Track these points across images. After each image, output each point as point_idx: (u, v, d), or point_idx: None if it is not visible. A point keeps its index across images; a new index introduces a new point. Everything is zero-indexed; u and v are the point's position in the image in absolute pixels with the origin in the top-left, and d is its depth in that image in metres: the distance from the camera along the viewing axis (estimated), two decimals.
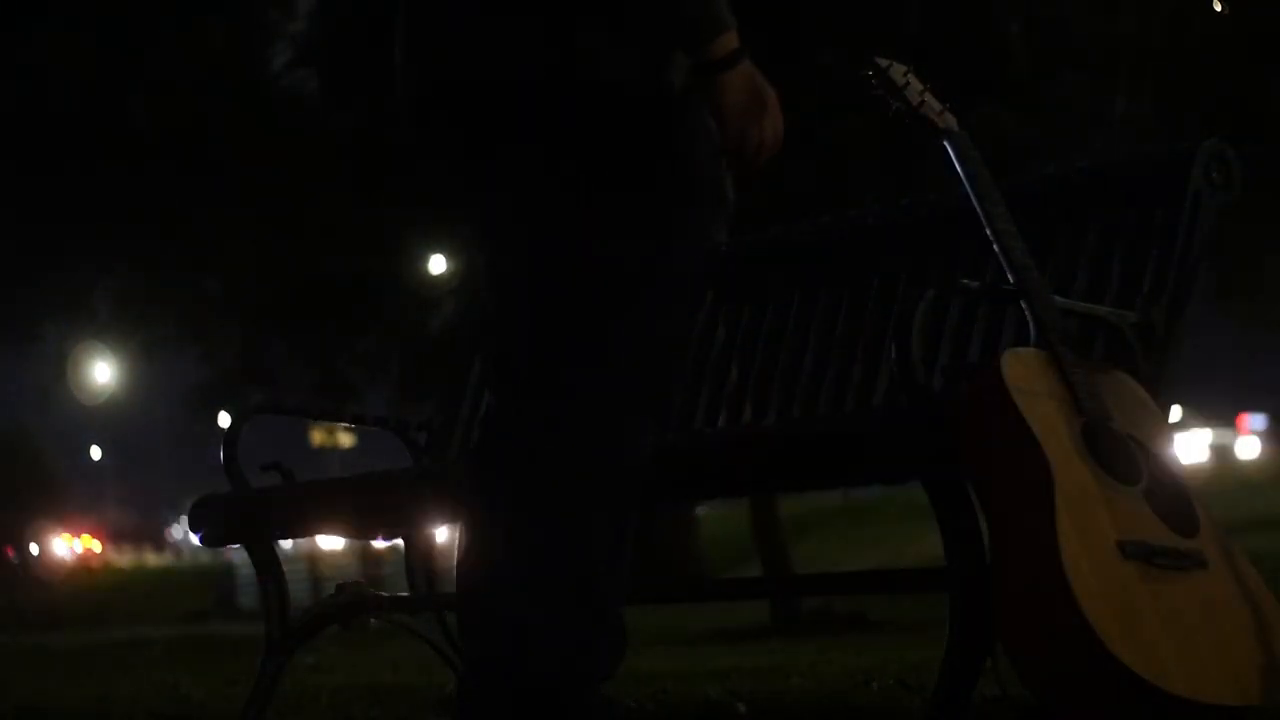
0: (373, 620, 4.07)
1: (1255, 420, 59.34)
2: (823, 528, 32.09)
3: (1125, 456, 2.55)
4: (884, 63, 2.93)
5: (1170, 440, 2.68)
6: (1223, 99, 12.22)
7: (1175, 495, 2.57)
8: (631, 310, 2.50)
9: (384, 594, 4.13)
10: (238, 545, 4.12)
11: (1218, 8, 11.16)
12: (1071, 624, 2.32)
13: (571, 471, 2.50)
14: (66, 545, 44.19)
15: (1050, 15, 11.68)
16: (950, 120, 2.95)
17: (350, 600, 3.96)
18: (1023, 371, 2.58)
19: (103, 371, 27.55)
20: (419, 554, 4.10)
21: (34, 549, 40.47)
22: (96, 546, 48.92)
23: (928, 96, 2.95)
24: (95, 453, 64.40)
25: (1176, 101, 11.80)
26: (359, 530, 4.07)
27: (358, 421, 4.65)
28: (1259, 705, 2.39)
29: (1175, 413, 3.10)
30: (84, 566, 42.83)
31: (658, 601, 4.30)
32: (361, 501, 3.66)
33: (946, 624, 2.68)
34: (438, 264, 17.38)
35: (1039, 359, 2.64)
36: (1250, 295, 14.50)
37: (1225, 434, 55.14)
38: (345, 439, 46.17)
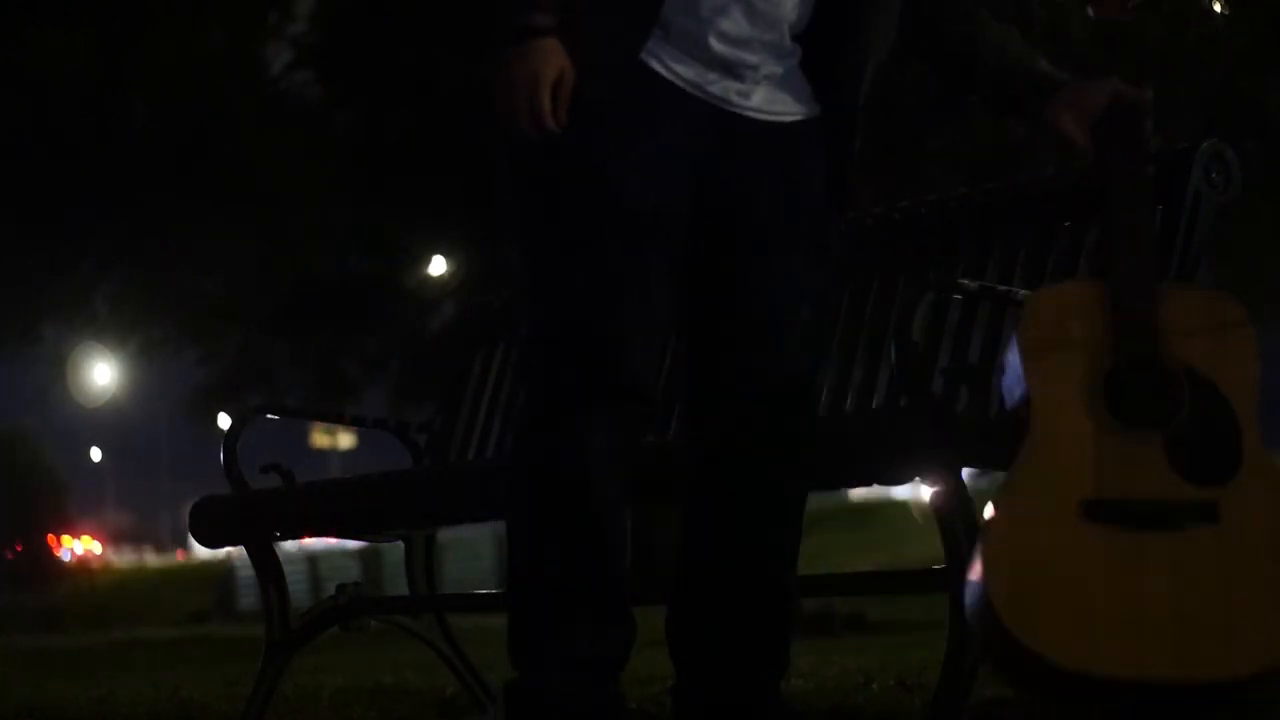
0: (373, 621, 4.07)
1: None
2: (822, 528, 32.11)
3: (1158, 398, 2.44)
4: None
5: (1251, 361, 2.52)
6: (1222, 99, 12.21)
7: (1217, 433, 2.44)
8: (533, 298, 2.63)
9: (384, 595, 4.13)
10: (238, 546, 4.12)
11: (1217, 8, 11.15)
12: (977, 590, 2.32)
13: (510, 482, 2.68)
14: (66, 546, 44.18)
15: (1049, 16, 11.67)
16: None
17: (350, 601, 3.96)
18: (1053, 314, 2.51)
19: (102, 373, 27.54)
20: (419, 555, 4.10)
21: (34, 550, 40.46)
22: (96, 548, 48.91)
23: None
24: (95, 454, 64.39)
25: (1176, 102, 11.80)
26: (359, 531, 4.07)
27: (358, 423, 4.66)
28: (1221, 679, 2.29)
29: None
30: (84, 567, 42.79)
31: (658, 602, 4.29)
32: (361, 503, 3.66)
33: (946, 625, 2.68)
34: (438, 265, 17.38)
35: (1087, 293, 2.53)
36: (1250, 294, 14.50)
37: None
38: (345, 440, 46.23)
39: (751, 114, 2.65)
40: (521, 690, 2.61)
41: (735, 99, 2.64)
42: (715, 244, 2.65)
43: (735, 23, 2.61)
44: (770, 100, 2.67)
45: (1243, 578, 2.36)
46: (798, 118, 2.69)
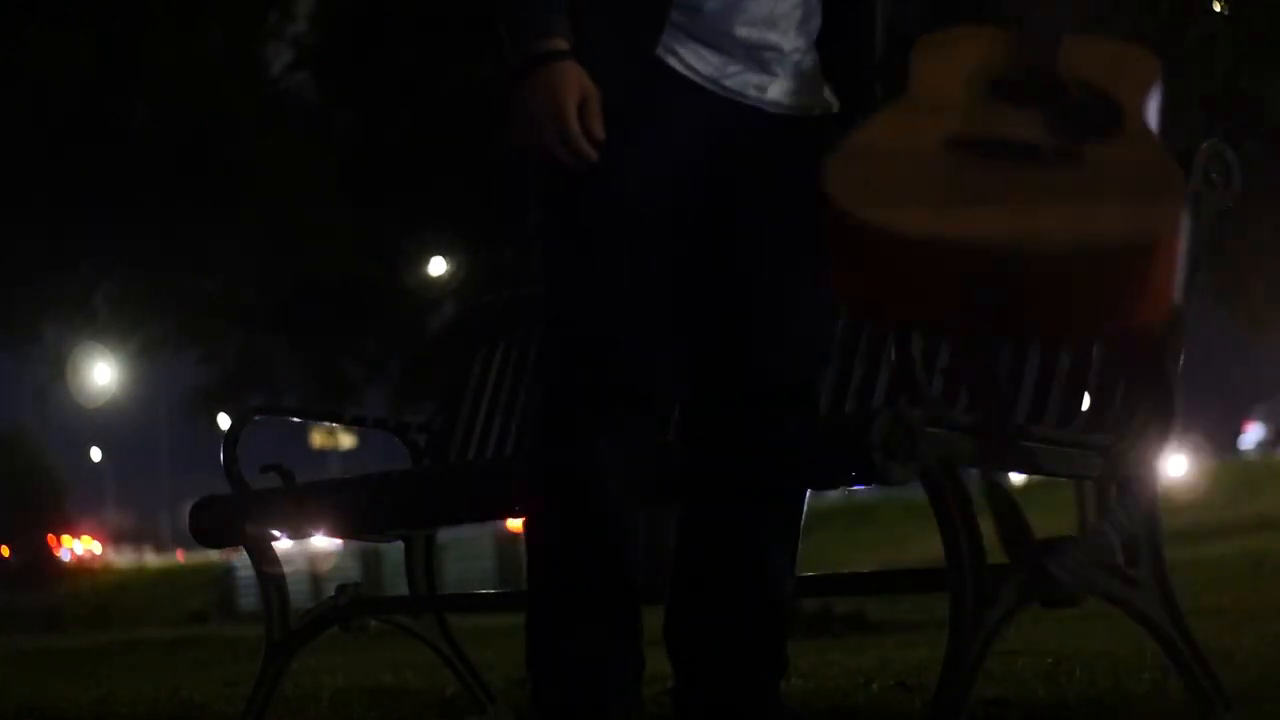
0: (373, 622, 4.07)
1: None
2: (822, 528, 32.10)
3: (1038, 90, 2.40)
4: None
5: (1149, 79, 2.47)
6: (1222, 99, 12.21)
7: (1099, 113, 2.38)
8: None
9: (384, 595, 4.13)
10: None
11: (1217, 8, 11.15)
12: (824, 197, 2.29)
13: (524, 484, 2.70)
14: (66, 546, 44.16)
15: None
16: None
17: (350, 602, 3.97)
18: (953, 41, 2.54)
19: (102, 373, 27.53)
20: (419, 555, 4.10)
21: (33, 550, 40.45)
22: (96, 547, 48.90)
23: None
24: (95, 454, 64.40)
25: (1175, 102, 11.81)
26: (359, 532, 4.07)
27: (358, 423, 4.66)
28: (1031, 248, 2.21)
29: None
30: (84, 567, 42.79)
31: (659, 603, 4.29)
32: (361, 503, 3.67)
33: (946, 625, 2.68)
34: (437, 265, 17.38)
35: (990, 38, 2.52)
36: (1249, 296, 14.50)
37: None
38: (345, 440, 46.18)
39: (769, 108, 2.64)
40: (535, 697, 2.62)
41: (752, 92, 2.62)
42: (720, 243, 2.64)
43: (761, 2, 2.59)
44: (790, 92, 2.64)
45: (1086, 201, 2.28)
46: (815, 112, 2.68)
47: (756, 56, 2.60)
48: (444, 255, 17.16)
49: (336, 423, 4.79)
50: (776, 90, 2.64)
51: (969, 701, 2.66)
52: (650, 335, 2.58)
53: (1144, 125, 2.40)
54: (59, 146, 13.55)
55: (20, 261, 14.65)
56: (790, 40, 2.63)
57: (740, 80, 2.61)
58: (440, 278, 17.40)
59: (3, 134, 13.51)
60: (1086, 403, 3.03)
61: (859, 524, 32.21)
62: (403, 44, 14.21)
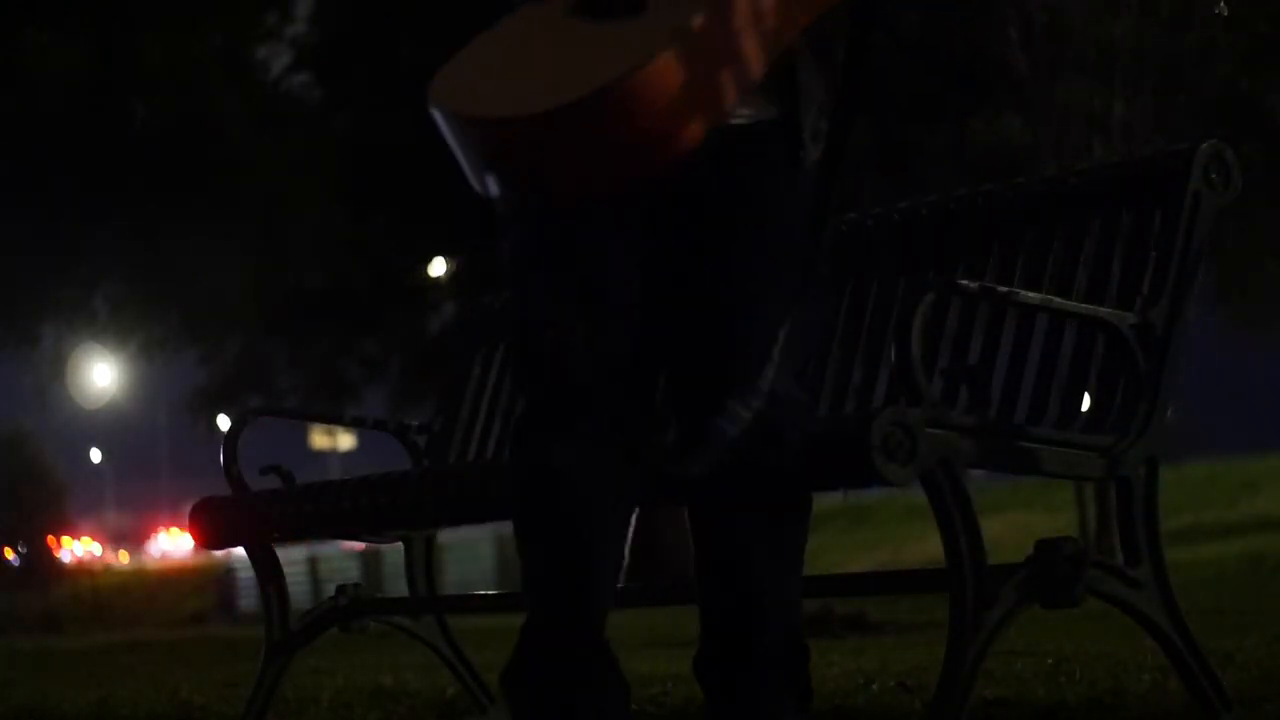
0: (373, 623, 4.07)
1: None
2: (822, 528, 32.05)
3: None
4: None
5: None
6: (1222, 100, 12.22)
7: None
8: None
9: (384, 596, 4.13)
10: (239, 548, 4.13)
11: (1219, 9, 11.17)
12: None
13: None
14: (66, 548, 44.16)
15: (1050, 20, 11.68)
16: None
17: (350, 602, 3.97)
18: None
19: (102, 374, 27.53)
20: (419, 556, 4.10)
21: (33, 551, 40.45)
22: (96, 549, 48.89)
23: None
24: (95, 455, 64.37)
25: (1175, 103, 11.81)
26: (359, 533, 4.07)
27: (357, 424, 4.66)
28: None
29: None
30: (83, 569, 42.79)
31: (658, 603, 4.30)
32: (361, 504, 3.66)
33: (946, 625, 2.68)
34: (437, 266, 17.39)
35: None
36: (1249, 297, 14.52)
37: None
38: (345, 441, 46.19)
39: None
40: (504, 681, 2.68)
41: None
42: (677, 248, 2.63)
43: None
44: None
45: (614, 46, 2.36)
46: (753, 120, 2.64)
47: None
48: (444, 256, 17.17)
49: (336, 424, 4.80)
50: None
51: (969, 702, 2.67)
52: (611, 340, 2.59)
53: (670, 9, 2.39)
54: (58, 149, 13.55)
55: (20, 262, 14.65)
56: None
57: None
58: (440, 279, 17.41)
59: (2, 136, 13.51)
60: (1086, 403, 3.03)
61: (859, 525, 32.21)
62: (402, 44, 14.22)
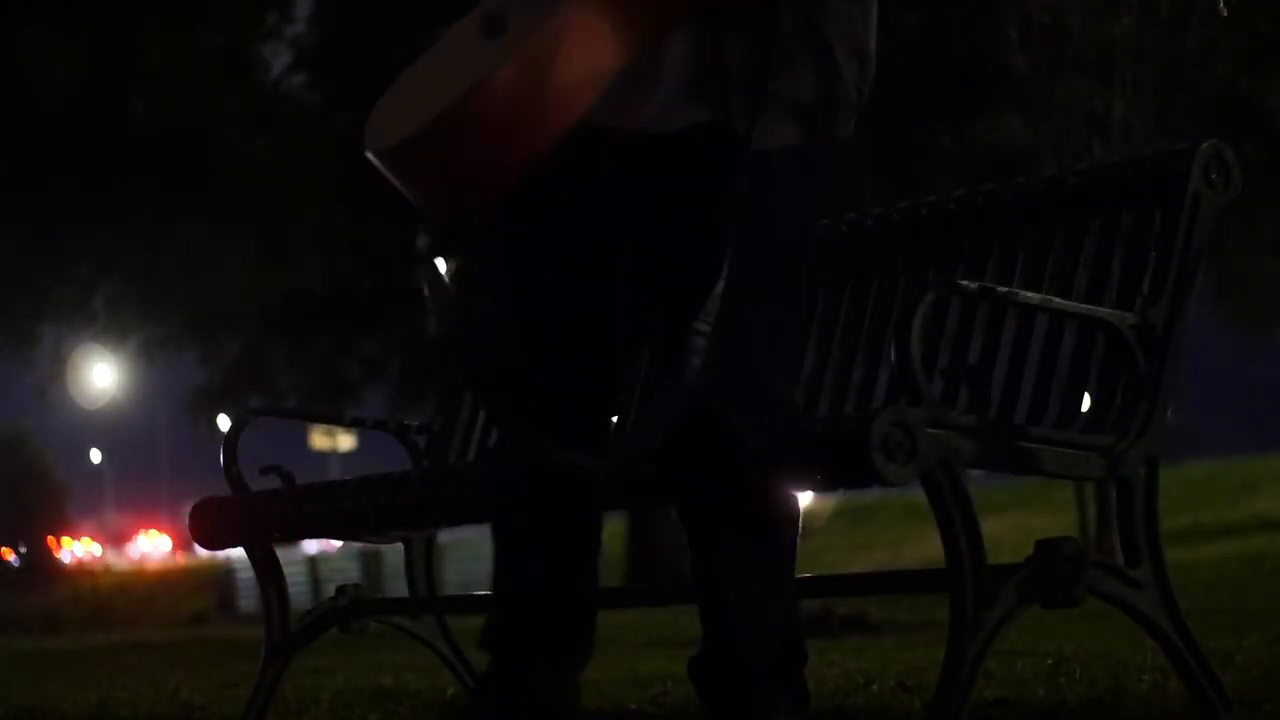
0: (373, 623, 4.07)
1: None
2: (822, 529, 32.09)
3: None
4: None
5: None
6: (1222, 100, 12.22)
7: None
8: None
9: (384, 597, 4.13)
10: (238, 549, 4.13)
11: (1222, 9, 11.16)
12: None
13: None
14: (66, 548, 44.16)
15: (1050, 21, 11.68)
16: None
17: (350, 603, 3.97)
18: None
19: (102, 374, 27.52)
20: (419, 557, 4.10)
21: (33, 552, 40.46)
22: (96, 549, 48.89)
23: None
24: (95, 455, 64.35)
25: (1175, 103, 11.81)
26: (359, 533, 4.07)
27: (357, 424, 4.65)
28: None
29: None
30: (83, 569, 42.80)
31: (658, 603, 4.30)
32: (361, 504, 3.66)
33: (946, 625, 2.68)
34: (438, 267, 17.37)
35: None
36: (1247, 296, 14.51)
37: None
38: (345, 442, 46.20)
39: (637, 129, 2.60)
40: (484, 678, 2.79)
41: (619, 117, 2.58)
42: (608, 266, 2.66)
43: None
44: (659, 116, 2.59)
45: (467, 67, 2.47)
46: (685, 125, 2.60)
47: (628, 78, 2.55)
48: (444, 256, 17.16)
49: (336, 424, 4.80)
50: (648, 112, 2.60)
51: (969, 702, 2.66)
52: (542, 356, 2.66)
53: (526, 34, 2.48)
54: (58, 149, 13.55)
55: (20, 263, 14.65)
56: (662, 62, 2.58)
57: (608, 109, 2.55)
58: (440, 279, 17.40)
59: (2, 135, 13.51)
60: (1086, 403, 3.03)
61: (859, 525, 32.23)
62: (401, 44, 14.21)
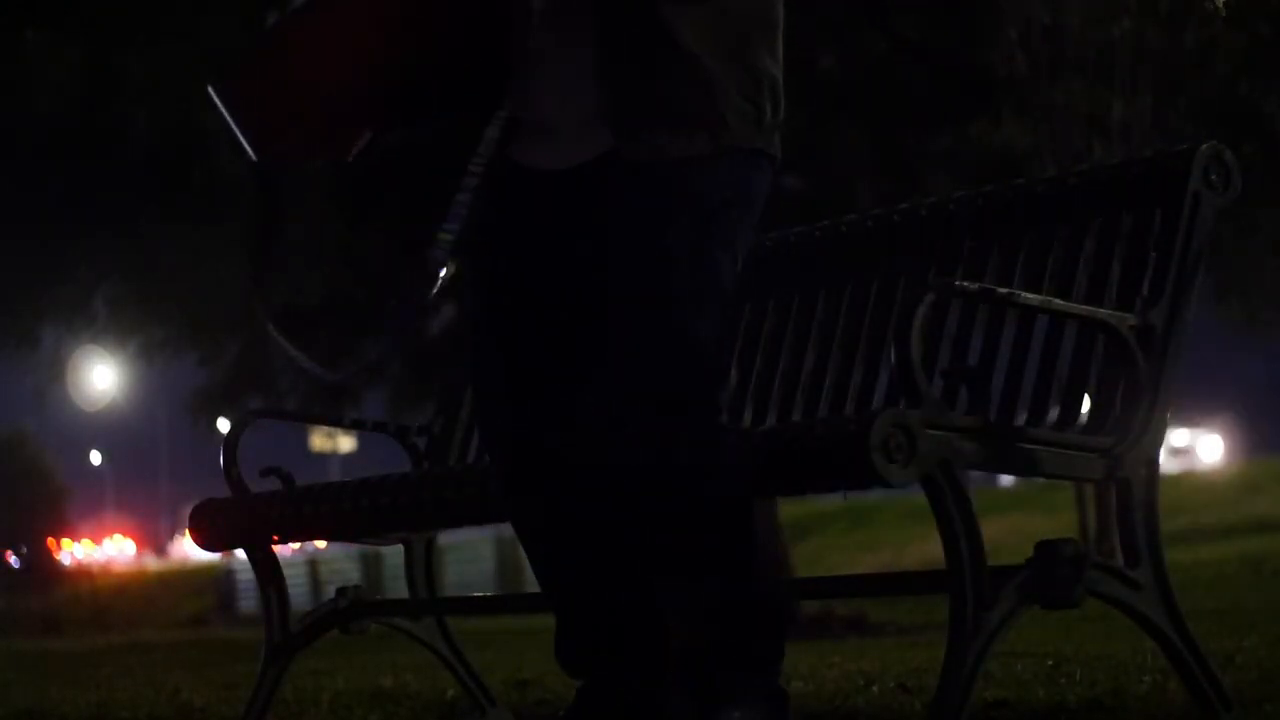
0: (373, 624, 4.07)
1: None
2: (823, 530, 32.08)
3: None
4: None
5: None
6: (1221, 101, 12.20)
7: None
8: None
9: (384, 598, 4.13)
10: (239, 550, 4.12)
11: (1219, 9, 11.16)
12: None
13: None
14: (66, 549, 44.16)
15: (1049, 21, 11.68)
16: None
17: (350, 604, 3.97)
18: None
19: (102, 376, 27.52)
20: (419, 558, 4.10)
21: (33, 553, 40.46)
22: (96, 551, 48.92)
23: None
24: (95, 457, 64.36)
25: (1175, 104, 11.81)
26: (359, 535, 4.07)
27: (357, 426, 4.65)
28: None
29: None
30: (83, 571, 42.81)
31: None
32: (361, 506, 3.66)
33: (947, 627, 2.68)
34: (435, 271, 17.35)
35: None
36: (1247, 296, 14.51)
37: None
38: (345, 444, 46.24)
39: (551, 167, 2.76)
40: None
41: (535, 156, 2.76)
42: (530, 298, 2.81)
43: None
44: (568, 151, 2.74)
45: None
46: (590, 156, 2.72)
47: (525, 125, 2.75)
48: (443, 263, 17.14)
49: (336, 426, 4.81)
50: (542, 149, 2.76)
51: (969, 703, 2.66)
52: (495, 390, 2.84)
53: None
54: (57, 151, 13.54)
55: (19, 264, 14.64)
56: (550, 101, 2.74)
57: (527, 150, 2.76)
58: (440, 281, 17.39)
59: (1, 136, 13.51)
60: (1086, 405, 3.03)
61: (859, 526, 32.24)
62: None
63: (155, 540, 56.32)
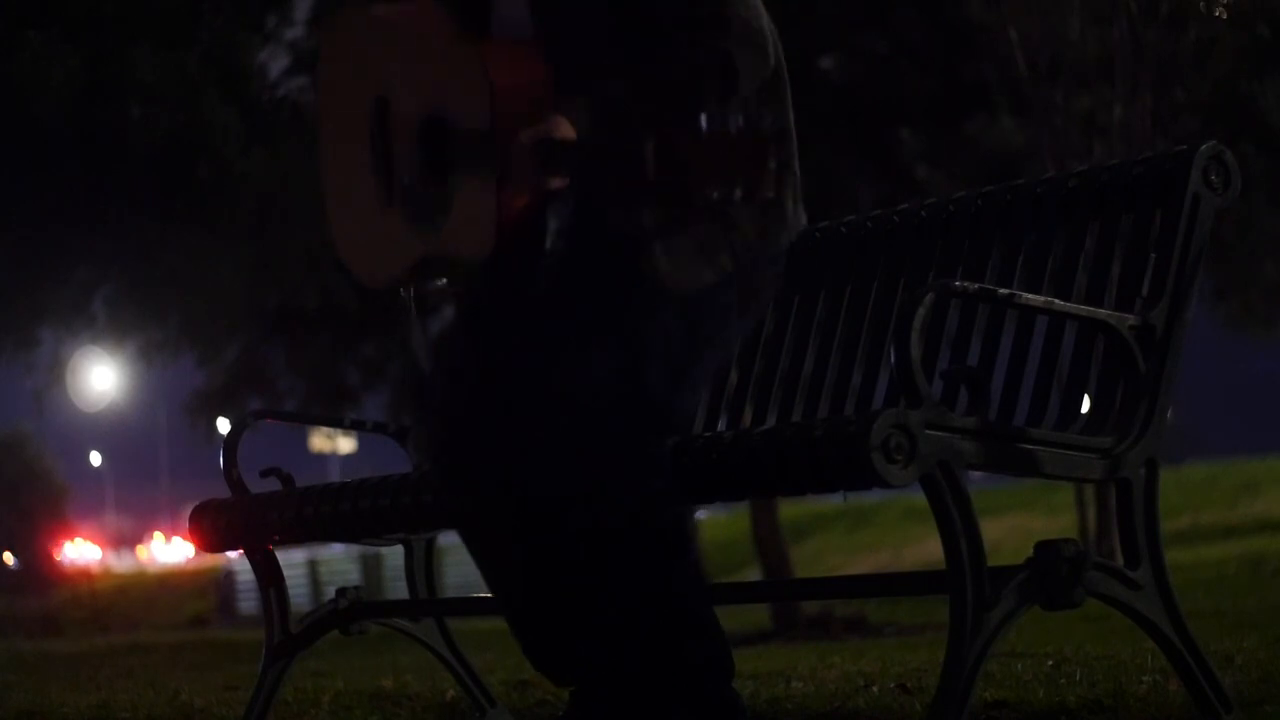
0: (373, 625, 4.07)
1: None
2: (823, 531, 32.09)
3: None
4: None
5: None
6: (1221, 101, 12.21)
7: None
8: None
9: (384, 599, 4.13)
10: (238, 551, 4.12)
11: (1218, 13, 11.16)
12: None
13: None
14: (66, 551, 44.14)
15: (1048, 22, 11.68)
16: None
17: (350, 605, 3.97)
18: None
19: (102, 377, 27.51)
20: (419, 559, 4.10)
21: (33, 555, 40.46)
22: (96, 552, 48.87)
23: None
24: (95, 458, 64.37)
25: (1174, 105, 11.81)
26: (359, 535, 4.07)
27: (357, 427, 4.65)
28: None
29: None
30: (83, 572, 42.77)
31: None
32: (361, 507, 3.67)
33: (947, 627, 2.68)
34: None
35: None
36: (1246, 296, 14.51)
37: None
38: (345, 444, 46.26)
39: None
40: None
41: None
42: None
43: None
44: None
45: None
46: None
47: None
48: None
49: (336, 427, 4.81)
50: None
51: (969, 704, 2.67)
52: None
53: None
54: (56, 152, 13.54)
55: (18, 265, 14.64)
56: None
57: None
58: (439, 282, 17.40)
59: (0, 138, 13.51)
60: (1086, 405, 3.03)
61: (859, 527, 32.23)
62: None
63: (118, 541, 56.20)
